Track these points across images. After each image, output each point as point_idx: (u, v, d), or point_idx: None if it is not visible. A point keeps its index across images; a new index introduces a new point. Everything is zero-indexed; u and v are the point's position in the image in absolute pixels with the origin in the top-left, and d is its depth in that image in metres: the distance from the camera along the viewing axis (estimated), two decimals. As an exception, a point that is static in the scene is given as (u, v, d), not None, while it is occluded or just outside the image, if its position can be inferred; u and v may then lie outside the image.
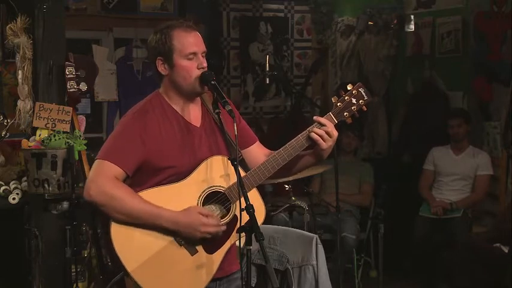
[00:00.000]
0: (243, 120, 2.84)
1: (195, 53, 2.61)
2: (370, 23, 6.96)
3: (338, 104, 2.66)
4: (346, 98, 2.67)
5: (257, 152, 2.78)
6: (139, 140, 2.57)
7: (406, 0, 6.83)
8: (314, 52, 7.40)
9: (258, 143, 2.84)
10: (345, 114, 2.66)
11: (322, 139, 2.61)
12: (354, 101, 2.67)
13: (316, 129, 2.61)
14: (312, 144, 2.65)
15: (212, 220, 2.54)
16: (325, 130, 2.61)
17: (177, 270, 2.57)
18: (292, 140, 2.63)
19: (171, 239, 2.57)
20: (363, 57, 7.13)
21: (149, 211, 2.52)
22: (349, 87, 2.69)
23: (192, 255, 2.58)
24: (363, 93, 2.68)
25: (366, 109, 2.70)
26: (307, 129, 2.63)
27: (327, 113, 2.67)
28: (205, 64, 2.63)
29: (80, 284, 4.12)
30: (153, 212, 2.52)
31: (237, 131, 2.63)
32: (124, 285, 2.70)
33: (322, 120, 2.63)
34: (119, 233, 2.54)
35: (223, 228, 2.57)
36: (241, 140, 2.73)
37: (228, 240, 2.61)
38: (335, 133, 2.63)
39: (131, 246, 2.54)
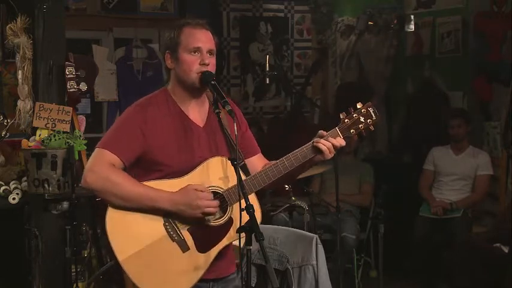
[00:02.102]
0: (249, 130, 2.86)
1: (198, 48, 2.63)
2: (370, 23, 6.96)
3: (346, 120, 2.65)
4: (354, 115, 2.65)
5: (257, 163, 2.77)
6: (140, 131, 2.60)
7: (406, 0, 6.83)
8: (314, 52, 7.40)
9: (259, 155, 2.85)
10: (351, 131, 2.65)
11: (329, 150, 2.62)
12: (362, 119, 2.65)
13: (324, 141, 2.61)
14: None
15: (207, 194, 2.56)
16: (332, 143, 2.61)
17: (167, 265, 2.58)
18: (296, 151, 2.63)
19: (164, 232, 2.58)
20: (363, 57, 7.14)
21: (148, 193, 2.55)
22: (358, 106, 2.66)
23: (184, 252, 2.59)
24: (371, 112, 2.66)
25: (373, 129, 2.68)
26: (312, 141, 2.63)
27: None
28: (207, 61, 2.64)
29: (80, 284, 4.13)
30: (152, 194, 2.55)
31: (242, 139, 2.69)
32: (124, 285, 2.69)
33: (330, 138, 2.62)
34: (114, 221, 2.57)
35: (217, 203, 2.57)
36: (243, 150, 2.75)
37: (221, 242, 2.61)
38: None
39: (124, 235, 2.57)
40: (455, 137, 5.70)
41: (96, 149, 2.63)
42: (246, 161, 2.77)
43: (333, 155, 2.63)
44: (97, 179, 2.56)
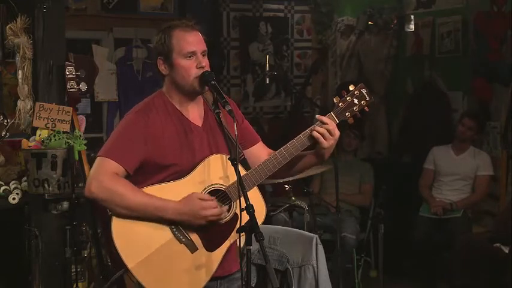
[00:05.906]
0: (245, 120, 2.85)
1: (193, 52, 2.61)
2: (370, 23, 6.96)
3: (340, 104, 2.68)
4: (347, 98, 2.68)
5: (259, 152, 2.78)
6: (141, 138, 2.58)
7: (406, 0, 6.83)
8: (314, 52, 7.40)
9: (260, 143, 2.85)
10: (347, 114, 2.68)
11: (324, 137, 2.62)
12: (355, 101, 2.68)
13: (317, 128, 2.62)
14: (314, 143, 2.66)
15: (212, 203, 2.55)
16: (326, 128, 2.62)
17: (177, 268, 2.58)
18: (294, 139, 2.65)
19: (171, 236, 2.58)
20: (363, 57, 7.13)
21: (153, 204, 2.53)
22: (351, 88, 2.70)
23: (192, 253, 2.59)
24: (364, 93, 2.70)
25: (368, 110, 2.72)
26: (309, 128, 2.64)
27: (328, 112, 2.68)
28: (204, 63, 2.62)
29: (80, 284, 4.13)
30: (158, 204, 2.53)
31: (240, 131, 2.66)
32: (124, 285, 2.70)
33: (324, 118, 2.64)
34: (120, 229, 2.55)
35: (224, 209, 2.57)
36: (244, 140, 2.76)
37: (228, 239, 2.62)
38: (337, 132, 2.64)
39: (132, 242, 2.55)
40: (462, 136, 5.65)
41: (98, 158, 2.60)
42: (248, 151, 2.78)
43: (332, 141, 2.63)
44: (101, 189, 2.53)
